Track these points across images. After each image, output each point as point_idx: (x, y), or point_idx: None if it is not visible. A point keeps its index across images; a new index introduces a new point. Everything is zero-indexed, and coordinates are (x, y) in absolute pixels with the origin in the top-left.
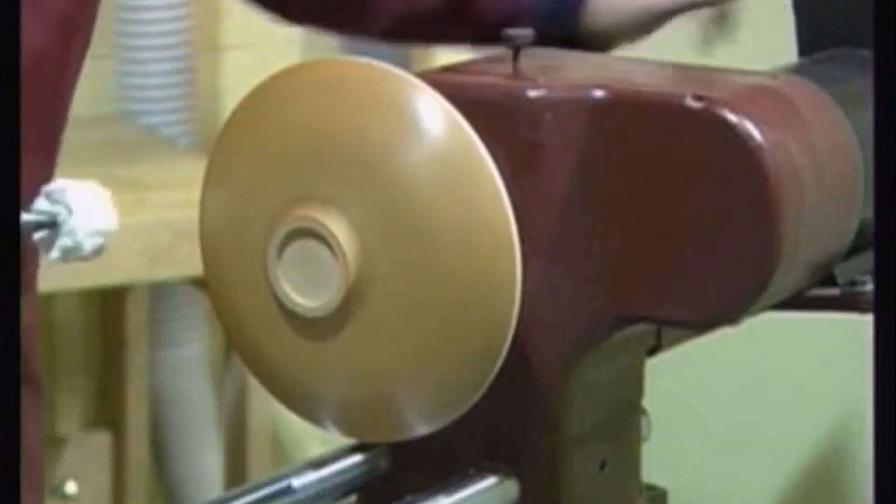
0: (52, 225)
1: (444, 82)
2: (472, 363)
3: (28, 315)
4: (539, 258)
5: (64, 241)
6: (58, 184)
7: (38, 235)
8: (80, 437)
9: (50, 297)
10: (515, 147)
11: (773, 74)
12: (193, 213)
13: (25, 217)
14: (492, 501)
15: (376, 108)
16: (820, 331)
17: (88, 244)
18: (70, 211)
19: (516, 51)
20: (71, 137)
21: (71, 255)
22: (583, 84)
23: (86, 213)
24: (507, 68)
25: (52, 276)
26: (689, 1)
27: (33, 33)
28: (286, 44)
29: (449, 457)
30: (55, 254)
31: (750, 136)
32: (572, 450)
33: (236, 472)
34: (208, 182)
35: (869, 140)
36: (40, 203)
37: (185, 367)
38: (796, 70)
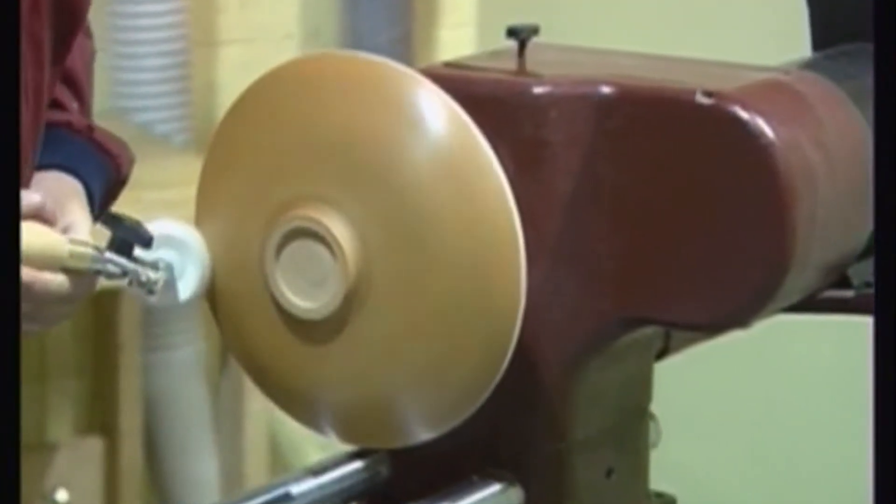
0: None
1: (448, 78)
2: (475, 366)
3: None
4: (544, 259)
5: (165, 290)
6: (164, 227)
7: (141, 283)
8: (72, 443)
9: None
10: (520, 144)
11: (785, 69)
12: (189, 213)
13: (138, 268)
14: None
15: (377, 104)
16: (834, 334)
17: (186, 294)
18: (180, 257)
19: (521, 45)
20: None
21: (167, 301)
22: (589, 80)
23: (195, 263)
24: (512, 64)
25: None
26: None
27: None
28: (284, 38)
29: (451, 463)
30: (154, 299)
31: (761, 133)
32: (578, 456)
33: (232, 479)
34: (204, 181)
35: None
36: (151, 251)
37: (180, 370)
38: (809, 65)
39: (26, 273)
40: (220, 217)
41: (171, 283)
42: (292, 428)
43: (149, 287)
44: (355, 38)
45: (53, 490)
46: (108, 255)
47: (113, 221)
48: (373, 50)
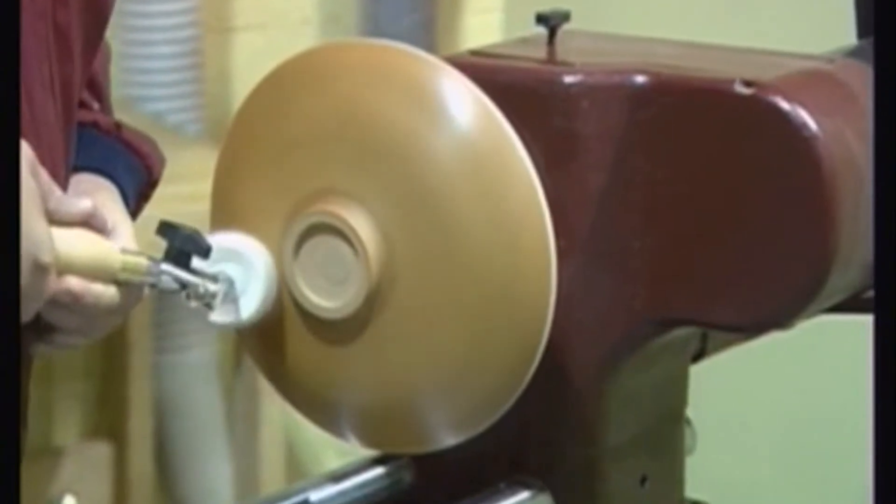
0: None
1: (474, 67)
2: (503, 369)
3: None
4: (575, 256)
5: (225, 307)
6: (228, 240)
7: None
8: (79, 448)
9: None
10: (550, 137)
11: (828, 58)
12: (203, 208)
13: (196, 280)
14: None
15: (401, 94)
16: None
17: (248, 311)
18: (244, 272)
19: (552, 32)
20: None
21: (227, 319)
22: (623, 69)
23: (258, 279)
24: (542, 52)
25: None
26: None
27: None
28: (302, 24)
29: (477, 470)
30: (216, 317)
31: (804, 125)
32: (610, 463)
33: (247, 487)
34: (219, 174)
35: None
36: (216, 264)
37: (193, 372)
38: (854, 53)
39: (77, 284)
40: (237, 212)
41: (232, 299)
42: (310, 433)
43: (207, 300)
44: (376, 23)
45: (60, 496)
46: (165, 266)
47: (169, 230)
48: (394, 36)
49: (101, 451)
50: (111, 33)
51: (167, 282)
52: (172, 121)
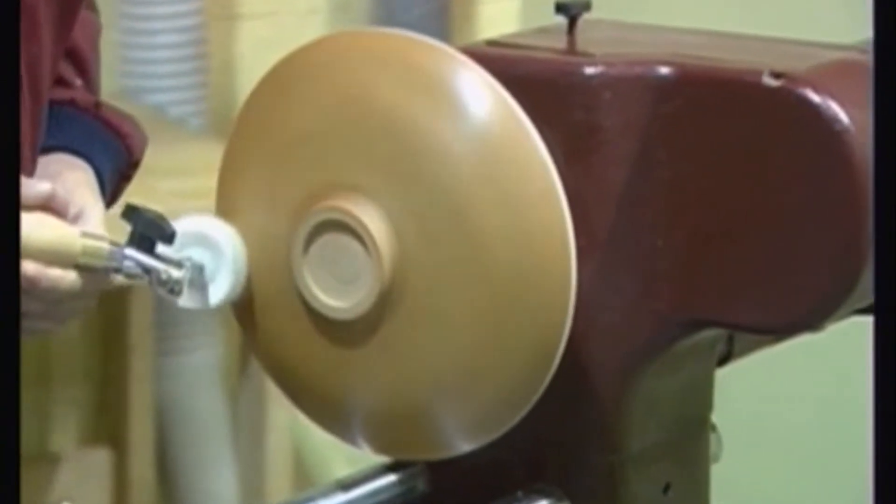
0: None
1: (490, 57)
2: (521, 372)
3: None
4: (596, 255)
5: (195, 293)
6: (197, 224)
7: (170, 283)
8: (77, 455)
9: None
10: (570, 130)
11: (862, 48)
12: (207, 204)
13: (159, 265)
14: None
15: (415, 86)
16: None
17: (217, 297)
18: (213, 258)
19: (572, 21)
20: None
21: (196, 304)
22: (646, 59)
23: (228, 264)
24: (562, 42)
25: None
26: None
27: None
28: (310, 12)
29: (493, 477)
30: (182, 301)
31: (835, 118)
32: (632, 470)
33: (253, 495)
34: (225, 169)
35: None
36: (183, 249)
37: (196, 376)
38: None
39: (32, 269)
40: (244, 208)
41: (201, 286)
42: (319, 439)
43: (171, 286)
44: (387, 12)
45: None
46: (127, 251)
47: (132, 214)
48: (406, 25)
49: (101, 458)
50: (108, 21)
51: (131, 267)
52: (175, 113)
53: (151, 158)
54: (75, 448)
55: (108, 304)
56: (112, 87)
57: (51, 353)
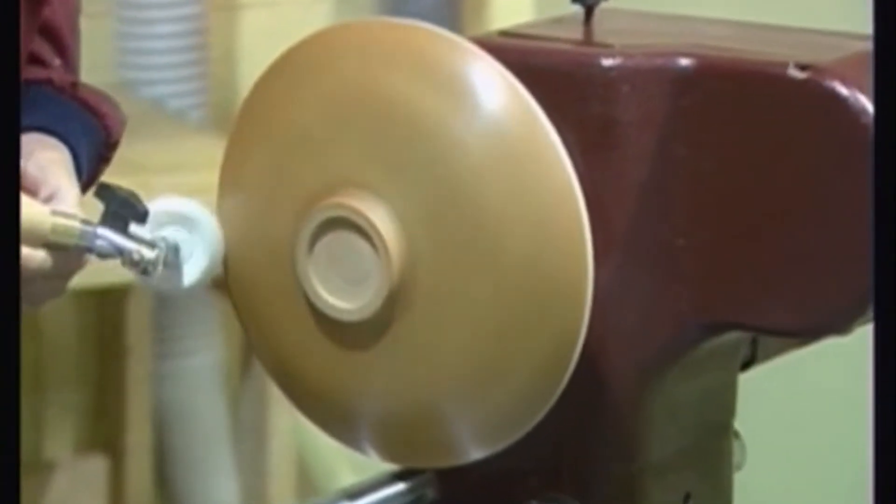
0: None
1: (504, 48)
2: (535, 377)
3: None
4: (614, 255)
5: (168, 274)
6: (173, 204)
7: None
8: (73, 462)
9: None
10: (587, 124)
11: None
12: (207, 201)
13: (132, 245)
14: None
15: (424, 78)
16: None
17: (191, 278)
18: (189, 238)
19: (588, 11)
20: None
21: (169, 286)
22: (666, 51)
23: (204, 244)
24: (578, 32)
25: None
26: None
27: None
28: (314, 1)
29: (506, 486)
30: (153, 282)
31: (863, 111)
32: (652, 479)
33: (255, 503)
34: (227, 164)
35: None
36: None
37: (196, 380)
38: None
39: None
40: (246, 205)
41: (176, 266)
42: (323, 445)
43: (143, 267)
44: (395, 1)
45: None
46: (99, 230)
47: (105, 192)
48: (415, 15)
49: (97, 466)
50: (106, 9)
51: (103, 247)
52: (174, 106)
53: (147, 153)
54: (71, 455)
55: (104, 304)
56: (109, 79)
57: (44, 357)
